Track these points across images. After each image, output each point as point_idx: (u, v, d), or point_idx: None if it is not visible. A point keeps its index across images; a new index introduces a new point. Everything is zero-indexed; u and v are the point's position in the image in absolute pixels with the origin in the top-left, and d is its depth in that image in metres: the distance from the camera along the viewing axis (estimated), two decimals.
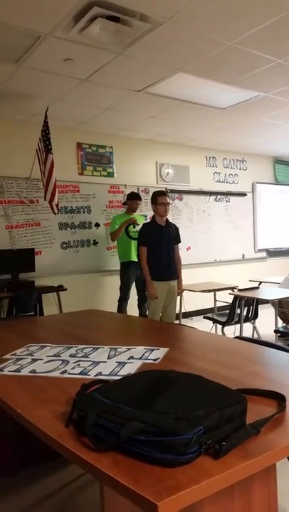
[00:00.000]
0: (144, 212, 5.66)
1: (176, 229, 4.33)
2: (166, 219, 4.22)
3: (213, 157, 6.67)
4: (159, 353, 1.56)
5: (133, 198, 5.05)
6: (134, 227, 4.95)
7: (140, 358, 1.50)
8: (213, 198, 6.64)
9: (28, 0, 2.40)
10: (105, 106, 4.40)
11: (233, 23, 2.73)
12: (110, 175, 5.58)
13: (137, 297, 5.08)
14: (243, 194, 7.07)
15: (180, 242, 4.35)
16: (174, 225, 4.38)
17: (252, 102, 4.38)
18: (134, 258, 4.78)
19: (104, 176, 5.53)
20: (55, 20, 2.63)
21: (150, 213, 5.92)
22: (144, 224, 4.32)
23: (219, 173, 6.77)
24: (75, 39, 2.86)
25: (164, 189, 6.02)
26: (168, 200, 4.17)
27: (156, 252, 4.08)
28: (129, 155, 5.75)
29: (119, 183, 5.60)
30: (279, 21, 2.71)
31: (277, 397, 1.11)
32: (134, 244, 4.79)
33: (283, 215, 7.78)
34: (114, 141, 5.58)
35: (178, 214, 6.24)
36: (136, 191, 5.46)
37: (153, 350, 1.59)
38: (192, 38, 2.94)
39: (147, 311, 4.36)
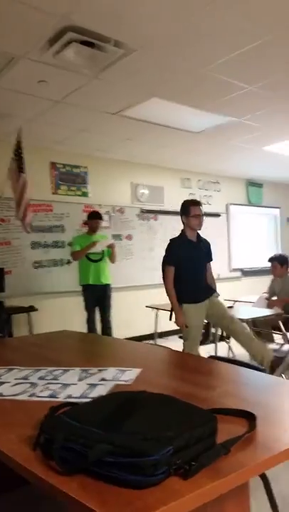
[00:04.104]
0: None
1: (209, 245, 3.67)
2: (198, 234, 3.56)
3: (187, 178, 6.81)
4: (132, 373, 1.54)
5: (93, 218, 4.85)
6: (106, 251, 4.81)
7: (112, 380, 1.48)
8: None
9: (2, 22, 2.43)
10: (80, 127, 4.45)
11: (205, 51, 2.85)
12: (85, 194, 5.59)
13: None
14: (217, 215, 7.21)
15: (212, 260, 3.72)
16: (206, 240, 3.66)
17: (225, 127, 4.53)
18: (93, 281, 4.72)
19: (78, 195, 5.54)
20: (30, 43, 2.67)
21: (127, 232, 6.02)
22: (171, 240, 3.54)
23: (194, 194, 6.89)
24: (49, 62, 2.91)
25: (140, 208, 6.11)
26: (202, 211, 3.50)
27: (188, 271, 3.41)
28: (104, 175, 5.80)
29: (94, 202, 5.61)
30: (250, 50, 2.84)
31: (248, 416, 1.11)
32: (94, 266, 4.73)
33: (256, 235, 7.96)
34: (89, 161, 5.62)
35: (154, 234, 6.29)
36: (110, 211, 5.48)
37: (125, 371, 1.57)
38: (165, 65, 3.04)
39: (184, 343, 3.53)
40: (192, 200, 3.57)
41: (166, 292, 3.45)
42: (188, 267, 3.41)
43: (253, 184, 7.88)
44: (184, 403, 1.05)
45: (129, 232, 6.00)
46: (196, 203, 3.48)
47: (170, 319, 3.66)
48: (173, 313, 3.49)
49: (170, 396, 1.10)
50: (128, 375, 1.51)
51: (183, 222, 3.50)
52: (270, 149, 5.57)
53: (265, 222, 8.21)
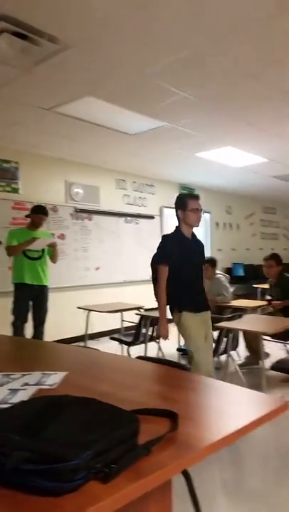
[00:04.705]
0: (52, 231, 5.54)
1: (203, 246, 3.27)
2: (193, 232, 3.20)
3: (122, 180, 6.84)
4: (57, 377, 1.51)
5: (38, 212, 4.52)
6: (45, 250, 4.56)
7: (36, 384, 1.43)
8: (123, 219, 6.78)
9: None
10: (12, 121, 4.28)
11: (142, 55, 2.88)
12: (15, 191, 5.38)
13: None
14: (151, 217, 7.33)
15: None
16: (199, 240, 3.29)
17: (159, 131, 4.61)
18: (29, 281, 4.44)
19: (8, 191, 5.31)
20: None
21: (60, 231, 5.90)
22: (165, 236, 3.20)
23: (129, 195, 6.95)
24: None
25: (74, 208, 6.01)
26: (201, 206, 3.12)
27: (185, 272, 3.04)
28: (37, 172, 5.63)
29: (25, 199, 5.42)
30: (186, 58, 2.90)
31: (171, 416, 1.14)
32: (30, 264, 4.45)
33: None
34: (20, 156, 5.42)
35: (88, 234, 6.23)
36: None
37: (50, 375, 1.53)
38: (101, 64, 3.02)
39: (194, 359, 2.99)
40: (190, 193, 3.23)
41: (157, 295, 3.06)
42: (187, 268, 3.05)
43: (186, 189, 8.12)
44: (106, 405, 1.05)
45: (62, 231, 5.88)
46: (194, 196, 3.13)
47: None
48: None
49: (93, 399, 1.09)
50: (53, 379, 1.48)
51: (178, 218, 3.12)
52: (202, 156, 5.78)
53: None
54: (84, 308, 4.78)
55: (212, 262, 5.03)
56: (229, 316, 3.94)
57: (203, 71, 3.14)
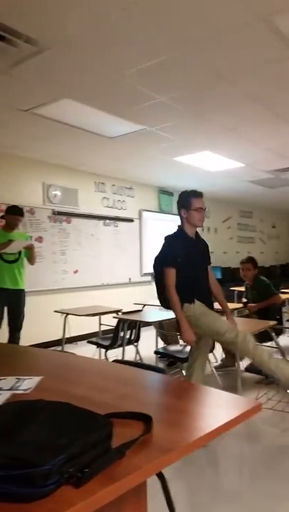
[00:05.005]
0: (30, 233, 5.48)
1: (207, 246, 3.18)
2: (196, 231, 3.10)
3: (102, 183, 6.83)
4: (32, 382, 1.49)
5: (13, 213, 4.38)
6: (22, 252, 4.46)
7: (10, 389, 1.42)
8: (101, 222, 6.77)
9: None
10: None
11: (120, 57, 2.89)
12: None
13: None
14: (131, 220, 7.35)
15: (210, 263, 3.21)
16: (203, 239, 3.19)
17: (138, 135, 4.64)
18: (6, 285, 4.34)
19: None
20: None
21: (38, 234, 5.84)
22: (168, 237, 3.05)
23: (108, 198, 6.95)
24: None
25: (52, 210, 5.96)
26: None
27: (190, 274, 2.92)
28: (13, 173, 5.56)
29: (2, 201, 5.32)
30: (163, 61, 2.93)
31: (145, 419, 1.14)
32: (7, 268, 4.35)
33: None
34: None
35: (66, 237, 6.19)
36: None
37: (25, 379, 1.52)
38: (79, 67, 3.02)
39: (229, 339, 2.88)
40: (193, 190, 3.00)
41: (170, 300, 2.88)
42: (191, 270, 2.93)
43: (164, 192, 8.18)
44: (79, 409, 1.05)
45: (39, 234, 5.82)
46: (197, 195, 2.97)
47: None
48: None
49: (66, 403, 1.08)
50: (27, 384, 1.46)
51: (181, 217, 3.02)
52: (181, 160, 5.83)
53: (175, 229, 8.56)
54: (61, 312, 4.74)
55: None
56: None
57: (180, 75, 3.17)
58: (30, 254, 4.53)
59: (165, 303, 3.01)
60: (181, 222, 3.03)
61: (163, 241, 3.04)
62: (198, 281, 3.00)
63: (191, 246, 3.01)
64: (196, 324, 2.90)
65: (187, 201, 2.96)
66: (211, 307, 3.01)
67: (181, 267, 2.88)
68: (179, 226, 3.05)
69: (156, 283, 3.08)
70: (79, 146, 5.12)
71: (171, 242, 3.00)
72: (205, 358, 3.18)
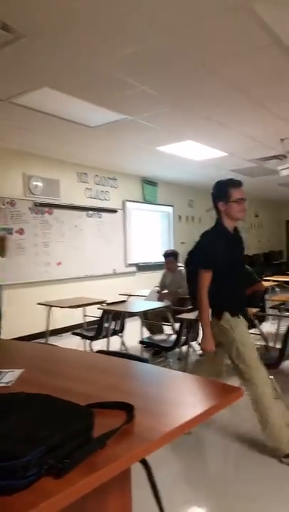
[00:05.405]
0: (11, 225, 5.39)
1: (242, 238, 2.81)
2: (236, 225, 2.73)
3: (84, 173, 6.76)
4: (13, 375, 1.48)
5: None
6: None
7: None
8: (85, 213, 6.71)
9: None
10: None
11: (100, 45, 2.84)
12: None
13: None
14: (114, 211, 7.31)
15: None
16: (241, 235, 2.83)
17: (119, 124, 4.58)
18: None
19: None
20: None
21: (19, 226, 5.76)
22: (208, 234, 2.67)
23: (91, 189, 6.88)
24: None
25: (33, 201, 5.88)
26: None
27: (233, 274, 2.61)
28: None
29: None
30: (144, 50, 2.89)
31: (127, 408, 1.15)
32: None
33: (150, 232, 8.27)
34: None
35: (48, 228, 6.12)
36: (0, 203, 5.14)
37: (7, 373, 1.50)
38: (58, 55, 2.96)
39: (250, 374, 2.55)
40: (230, 179, 2.65)
41: (200, 303, 2.57)
42: (234, 269, 2.62)
43: (148, 182, 8.15)
44: (61, 401, 1.04)
45: (21, 226, 5.73)
46: (236, 184, 2.62)
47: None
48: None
49: (47, 395, 1.08)
50: (8, 377, 1.45)
51: (217, 210, 2.66)
52: (164, 150, 5.81)
53: (159, 220, 8.58)
54: (44, 304, 4.71)
55: (175, 255, 5.11)
56: (190, 307, 4.01)
57: (161, 64, 3.14)
58: (2, 246, 4.53)
59: (196, 303, 2.70)
60: (219, 216, 2.67)
61: (201, 237, 2.71)
62: (240, 287, 2.71)
63: (234, 245, 2.68)
64: (227, 338, 2.59)
65: (225, 192, 2.61)
66: (246, 317, 2.70)
67: (222, 270, 2.55)
68: (217, 220, 2.69)
69: (188, 279, 2.82)
70: (60, 136, 5.04)
71: (211, 239, 2.64)
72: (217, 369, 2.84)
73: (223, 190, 2.63)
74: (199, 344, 2.74)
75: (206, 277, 2.54)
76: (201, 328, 2.65)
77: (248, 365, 2.52)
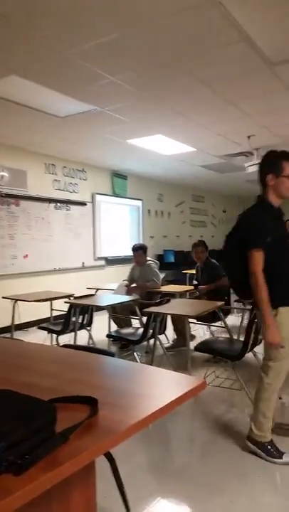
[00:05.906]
0: None
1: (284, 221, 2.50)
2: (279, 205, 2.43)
3: (52, 164, 6.63)
4: None
5: None
6: None
7: None
8: (52, 205, 6.59)
9: None
10: None
11: (69, 34, 2.77)
12: None
13: None
14: (83, 203, 7.22)
15: None
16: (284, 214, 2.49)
17: (89, 115, 4.52)
18: None
19: None
20: None
21: None
22: (251, 210, 2.38)
23: (59, 180, 6.76)
24: None
25: None
26: None
27: (281, 257, 2.29)
28: None
29: None
30: (113, 40, 2.85)
31: (91, 402, 1.14)
32: None
33: (120, 225, 8.24)
34: None
35: (15, 220, 5.98)
36: None
37: None
38: (23, 41, 2.87)
39: (272, 365, 2.33)
40: (284, 151, 2.33)
41: (255, 289, 2.22)
42: (282, 250, 2.29)
43: (118, 175, 8.10)
44: (22, 396, 1.02)
45: None
46: None
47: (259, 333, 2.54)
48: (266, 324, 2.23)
49: (7, 390, 1.05)
50: None
51: (264, 185, 2.36)
52: (134, 143, 5.78)
53: (129, 213, 8.56)
54: (10, 298, 4.60)
55: (144, 249, 5.12)
56: (158, 301, 4.03)
57: (130, 56, 3.11)
58: None
59: (246, 292, 2.34)
60: (263, 191, 2.37)
61: (241, 216, 2.40)
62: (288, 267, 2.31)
63: (280, 223, 2.38)
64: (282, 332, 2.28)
65: (277, 165, 2.31)
66: None
67: (270, 250, 2.24)
68: (259, 196, 2.40)
69: (229, 270, 2.50)
70: (27, 125, 4.91)
71: (258, 214, 2.33)
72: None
73: (275, 163, 2.32)
74: (262, 339, 2.37)
75: (259, 257, 2.21)
76: (259, 318, 2.32)
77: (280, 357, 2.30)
